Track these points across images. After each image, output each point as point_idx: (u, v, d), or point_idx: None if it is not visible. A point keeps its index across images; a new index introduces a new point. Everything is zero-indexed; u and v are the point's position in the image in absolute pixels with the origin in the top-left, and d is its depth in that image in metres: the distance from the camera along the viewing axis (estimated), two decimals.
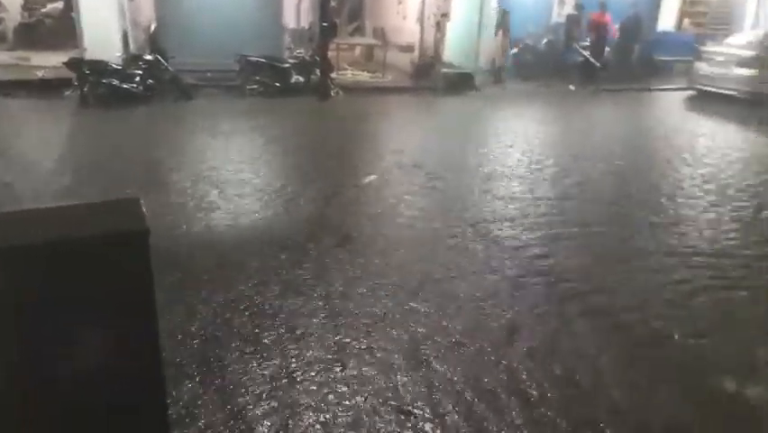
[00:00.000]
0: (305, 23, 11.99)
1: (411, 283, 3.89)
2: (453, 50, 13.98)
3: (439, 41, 13.17)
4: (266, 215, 5.09)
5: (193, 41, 10.97)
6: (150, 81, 9.63)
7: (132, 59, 9.99)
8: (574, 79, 13.21)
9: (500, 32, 13.26)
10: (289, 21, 12.07)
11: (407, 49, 13.69)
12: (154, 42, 10.27)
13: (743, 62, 11.60)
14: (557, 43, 13.74)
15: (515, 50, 13.62)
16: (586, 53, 13.38)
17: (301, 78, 11.05)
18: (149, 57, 9.89)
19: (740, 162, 7.57)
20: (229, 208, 5.16)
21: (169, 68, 9.92)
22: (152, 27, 10.45)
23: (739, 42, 12.57)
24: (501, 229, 4.92)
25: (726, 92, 11.76)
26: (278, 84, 10.68)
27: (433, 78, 12.63)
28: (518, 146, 7.90)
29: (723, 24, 16.57)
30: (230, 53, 10.60)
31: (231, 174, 6.10)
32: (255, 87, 10.60)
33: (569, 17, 13.48)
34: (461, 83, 12.34)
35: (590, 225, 5.14)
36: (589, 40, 13.54)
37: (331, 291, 3.74)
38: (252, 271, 3.96)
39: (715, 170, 7.09)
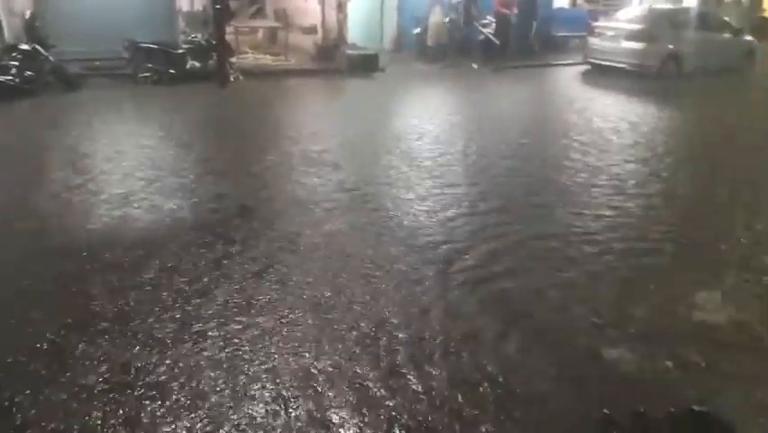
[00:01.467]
0: (199, 6, 11.47)
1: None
2: (357, 31, 13.90)
3: (342, 23, 13.04)
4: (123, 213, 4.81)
5: (77, 28, 10.26)
6: (29, 73, 8.92)
7: (6, 50, 9.22)
8: (477, 58, 13.44)
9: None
10: (183, 3, 11.53)
11: (310, 30, 13.44)
12: (31, 30, 9.50)
13: (631, 36, 12.18)
14: (458, 22, 13.89)
15: (417, 30, 13.68)
16: (486, 31, 13.63)
17: (197, 64, 10.62)
18: (25, 46, 9.14)
19: (620, 129, 7.95)
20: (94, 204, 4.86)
21: (50, 57, 9.23)
22: (28, 14, 9.67)
23: (627, 17, 13.20)
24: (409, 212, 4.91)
25: (617, 65, 12.34)
26: (172, 71, 10.20)
27: (337, 60, 12.49)
28: (422, 126, 7.93)
29: (614, 0, 17.38)
30: (119, 40, 10.02)
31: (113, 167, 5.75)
32: (148, 74, 10.06)
33: None
34: (366, 64, 12.26)
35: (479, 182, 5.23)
36: (494, 18, 13.78)
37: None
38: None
39: (596, 136, 7.45)
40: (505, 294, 3.64)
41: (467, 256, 4.11)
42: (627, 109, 9.48)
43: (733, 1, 18.95)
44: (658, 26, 12.24)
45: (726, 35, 13.22)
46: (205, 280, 3.67)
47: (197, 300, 3.43)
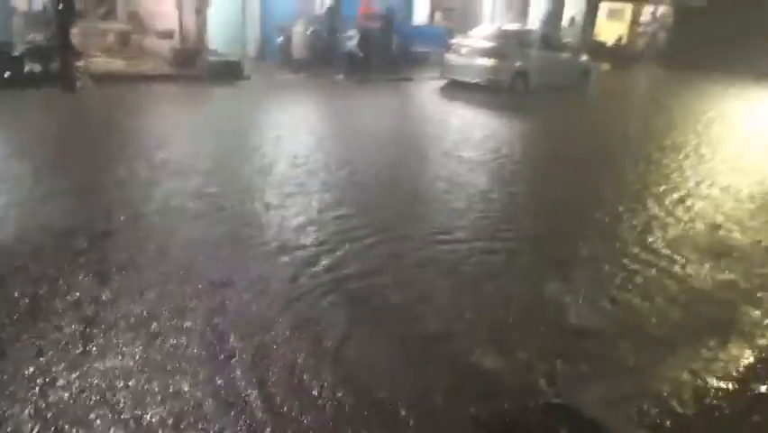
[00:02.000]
0: (38, 5, 10.47)
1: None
2: (219, 37, 13.48)
3: (201, 28, 12.57)
4: None
5: None
6: None
7: None
8: (341, 69, 13.59)
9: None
10: (19, 2, 10.45)
11: (167, 35, 12.79)
12: None
13: (484, 53, 13.00)
14: (322, 34, 13.98)
15: (281, 39, 13.57)
16: (350, 44, 13.85)
17: (38, 67, 9.66)
18: None
19: (474, 139, 8.46)
20: None
21: None
22: None
23: (480, 35, 14.08)
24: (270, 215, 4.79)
25: (472, 80, 13.11)
26: (7, 74, 9.18)
27: (198, 67, 12.01)
28: (285, 135, 7.83)
29: (468, 18, 18.49)
30: None
31: None
32: None
33: (329, 9, 13.79)
34: (228, 71, 11.92)
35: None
36: (356, 30, 14.05)
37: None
38: None
39: (450, 144, 7.86)
40: (354, 295, 3.72)
41: (321, 260, 4.15)
42: (481, 121, 10.09)
43: (571, 25, 20.99)
44: (508, 45, 13.18)
45: (566, 55, 14.59)
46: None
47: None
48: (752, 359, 3.46)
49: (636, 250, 4.88)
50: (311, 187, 5.81)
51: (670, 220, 5.68)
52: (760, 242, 5.32)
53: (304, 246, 4.41)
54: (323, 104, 11.14)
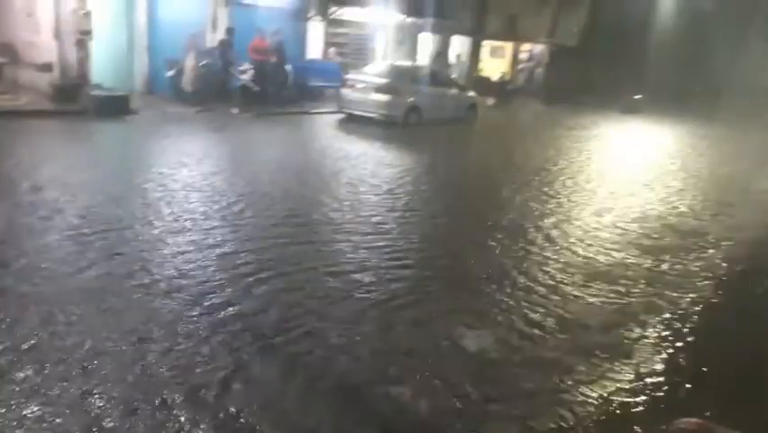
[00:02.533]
0: None
1: None
2: (104, 71, 12.84)
3: (83, 61, 11.93)
4: None
5: None
6: None
7: None
8: (236, 103, 13.40)
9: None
10: None
11: (45, 68, 12.01)
12: None
13: (378, 89, 13.37)
14: (214, 66, 13.71)
15: (171, 73, 13.18)
16: (244, 77, 13.71)
17: None
18: None
19: (371, 170, 8.66)
20: None
21: None
22: None
23: (374, 71, 14.49)
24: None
25: (368, 114, 13.42)
26: None
27: (80, 101, 11.35)
28: (173, 173, 7.56)
29: (361, 54, 18.96)
30: None
31: None
32: None
33: (221, 42, 13.62)
34: (114, 106, 11.35)
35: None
36: (250, 64, 13.94)
37: None
38: None
39: (346, 176, 8.00)
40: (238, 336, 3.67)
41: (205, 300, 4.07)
42: (377, 153, 10.35)
43: (457, 62, 22.15)
44: (400, 81, 13.66)
45: (454, 90, 15.35)
46: None
47: None
48: (632, 375, 3.76)
49: (515, 273, 5.21)
50: (196, 223, 5.66)
51: (546, 244, 6.12)
52: (626, 265, 5.84)
53: (187, 286, 4.28)
54: (215, 138, 10.86)
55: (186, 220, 5.75)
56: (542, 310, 4.51)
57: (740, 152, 14.29)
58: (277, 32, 14.31)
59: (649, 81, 22.13)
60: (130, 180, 7.10)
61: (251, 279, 4.54)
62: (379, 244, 5.63)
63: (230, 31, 13.76)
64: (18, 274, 4.23)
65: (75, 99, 11.42)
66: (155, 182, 7.06)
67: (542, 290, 4.92)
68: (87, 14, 11.80)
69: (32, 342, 3.37)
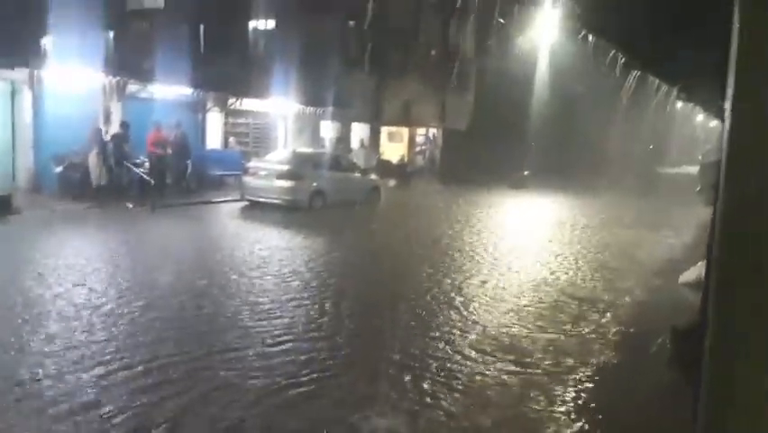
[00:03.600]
0: None
1: None
2: None
3: None
4: None
5: None
6: None
7: None
8: (131, 198, 12.88)
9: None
10: None
11: None
12: None
13: (281, 175, 13.41)
14: (108, 161, 13.22)
15: (59, 169, 12.54)
16: (140, 171, 13.31)
17: None
18: None
19: (276, 257, 8.51)
20: None
21: None
22: None
23: (276, 159, 14.59)
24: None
25: (272, 200, 13.35)
26: None
27: None
28: (49, 278, 6.93)
29: (262, 143, 19.11)
30: None
31: None
32: None
33: (115, 135, 13.26)
34: None
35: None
36: (147, 157, 13.59)
37: None
38: None
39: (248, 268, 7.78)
40: None
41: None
42: (284, 239, 10.27)
43: (360, 147, 22.80)
44: (303, 166, 13.83)
45: (357, 174, 15.70)
46: None
47: None
48: None
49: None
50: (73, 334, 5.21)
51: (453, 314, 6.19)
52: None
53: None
54: (104, 236, 10.18)
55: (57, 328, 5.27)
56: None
57: (616, 218, 15.44)
58: (177, 125, 14.16)
59: (533, 158, 23.87)
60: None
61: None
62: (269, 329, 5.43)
63: (124, 125, 13.47)
64: None
65: None
66: (31, 289, 6.48)
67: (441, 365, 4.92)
68: None
69: None
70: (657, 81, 6.03)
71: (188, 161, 14.56)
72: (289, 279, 7.52)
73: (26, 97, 12.71)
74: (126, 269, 7.61)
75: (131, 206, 12.53)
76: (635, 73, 5.52)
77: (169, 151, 13.97)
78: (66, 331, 5.15)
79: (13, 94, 12.84)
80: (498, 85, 24.75)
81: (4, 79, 12.32)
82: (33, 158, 12.95)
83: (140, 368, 4.48)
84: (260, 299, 6.52)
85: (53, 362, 4.47)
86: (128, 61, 13.43)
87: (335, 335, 5.58)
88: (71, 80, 12.79)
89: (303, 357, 4.92)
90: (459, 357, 5.12)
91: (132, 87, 14.32)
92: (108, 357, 4.64)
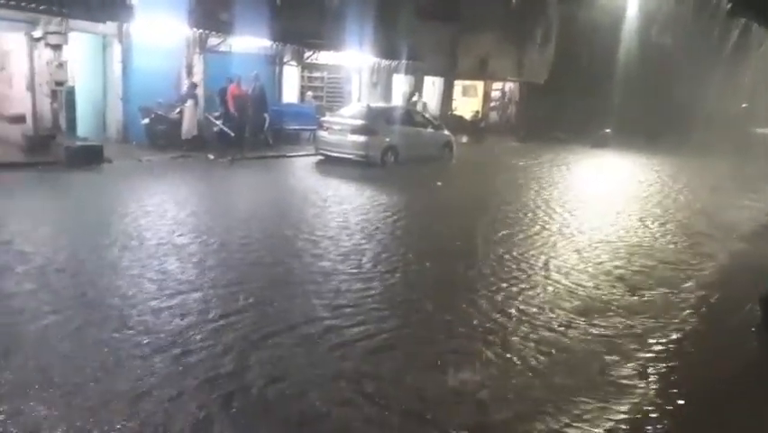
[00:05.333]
0: None
1: None
2: (78, 120, 12.79)
3: (57, 111, 11.86)
4: None
5: None
6: None
7: None
8: (213, 149, 13.39)
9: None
10: None
11: (18, 119, 11.92)
12: None
13: (355, 130, 13.49)
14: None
15: (146, 121, 13.15)
16: (220, 123, 13.74)
17: None
18: None
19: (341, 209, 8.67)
20: None
21: None
22: None
23: (350, 113, 14.65)
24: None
25: (345, 155, 13.50)
26: None
27: (54, 152, 11.22)
28: (151, 221, 7.47)
29: (336, 97, 19.20)
30: None
31: None
32: None
33: (190, 86, 13.74)
34: (89, 156, 11.23)
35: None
36: (222, 110, 14.02)
37: None
38: None
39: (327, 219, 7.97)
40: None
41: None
42: (358, 195, 10.37)
43: (418, 100, 22.48)
44: (376, 122, 13.82)
45: (430, 130, 15.55)
46: None
47: None
48: (625, 415, 3.71)
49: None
50: (181, 274, 5.55)
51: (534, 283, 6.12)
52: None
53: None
54: (191, 184, 10.76)
55: (160, 272, 5.64)
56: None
57: (705, 181, 14.62)
58: (256, 79, 14.43)
59: (617, 115, 22.72)
60: (100, 229, 7.02)
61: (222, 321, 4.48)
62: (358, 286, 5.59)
63: (193, 85, 13.82)
64: None
65: (48, 150, 11.29)
66: (126, 228, 6.96)
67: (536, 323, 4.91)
68: (62, 65, 11.81)
69: None
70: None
71: (266, 115, 14.86)
72: (364, 235, 7.65)
73: (116, 51, 13.30)
74: (207, 214, 8.04)
75: (211, 157, 13.05)
76: (740, 22, 5.10)
77: (249, 104, 14.28)
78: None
79: (105, 48, 13.46)
80: (582, 36, 23.53)
81: (96, 34, 12.90)
82: (122, 110, 13.63)
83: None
84: (340, 254, 6.68)
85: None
86: (209, 14, 13.72)
87: (417, 298, 5.66)
88: (156, 34, 13.24)
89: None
90: (549, 315, 5.11)
91: (213, 41, 14.66)
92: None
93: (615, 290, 6.02)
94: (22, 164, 10.75)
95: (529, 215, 9.59)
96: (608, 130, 22.32)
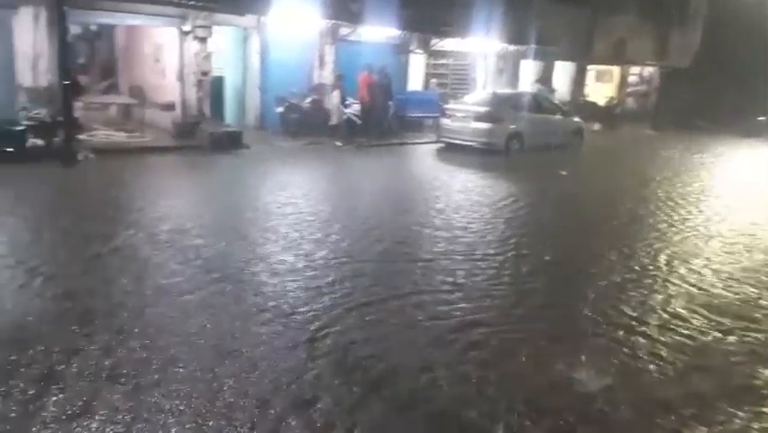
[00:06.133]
0: (44, 81, 10.70)
1: None
2: (220, 108, 13.77)
3: (202, 100, 12.85)
4: None
5: None
6: None
7: None
8: (340, 136, 13.85)
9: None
10: (24, 78, 10.68)
11: (168, 107, 13.07)
12: None
13: (478, 117, 13.29)
14: (320, 102, 14.33)
15: (280, 109, 13.85)
16: (349, 111, 14.15)
17: (40, 142, 9.81)
18: None
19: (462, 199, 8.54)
20: None
21: None
22: None
23: (474, 100, 14.45)
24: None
25: (468, 143, 13.35)
26: (9, 149, 9.30)
27: (198, 137, 12.20)
28: (291, 201, 7.91)
29: (461, 84, 19.00)
30: None
31: None
32: None
33: (337, 77, 14.22)
34: (229, 141, 12.09)
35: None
36: (359, 99, 14.38)
37: None
38: None
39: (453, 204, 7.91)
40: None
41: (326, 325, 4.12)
42: (482, 183, 10.22)
43: (561, 87, 21.58)
44: (501, 108, 13.51)
45: (558, 116, 14.93)
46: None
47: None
48: None
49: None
50: (319, 251, 5.80)
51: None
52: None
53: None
54: (324, 169, 11.28)
55: (299, 244, 5.95)
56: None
57: None
58: (384, 68, 14.66)
59: None
60: (243, 208, 7.56)
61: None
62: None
63: (339, 76, 14.30)
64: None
65: (193, 135, 12.30)
66: (268, 206, 7.43)
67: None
68: (208, 57, 12.78)
69: None
70: None
71: (390, 103, 15.07)
72: (487, 224, 7.54)
73: (255, 42, 14.13)
74: (340, 195, 8.36)
75: (339, 144, 13.52)
76: None
77: (377, 93, 14.54)
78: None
79: (245, 39, 14.35)
80: (732, 16, 21.32)
81: (238, 26, 13.78)
82: (259, 98, 14.49)
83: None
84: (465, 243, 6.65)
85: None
86: (341, 5, 14.12)
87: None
88: (291, 25, 13.86)
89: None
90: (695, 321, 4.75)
91: (343, 31, 15.08)
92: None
93: None
94: (172, 148, 11.82)
95: (663, 214, 8.90)
96: (761, 118, 20.09)
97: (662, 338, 4.35)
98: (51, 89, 10.39)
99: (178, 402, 3.18)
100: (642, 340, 4.30)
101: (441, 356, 3.90)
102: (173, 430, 2.96)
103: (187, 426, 3.00)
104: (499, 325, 4.44)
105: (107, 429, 2.93)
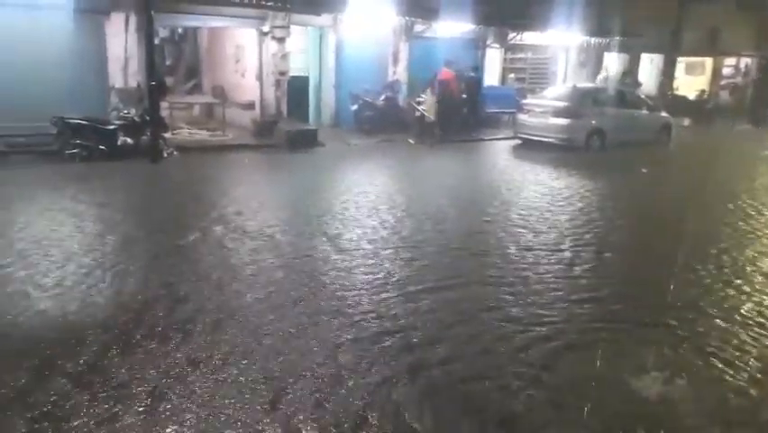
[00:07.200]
0: (133, 82, 11.30)
1: None
2: (297, 107, 14.05)
3: (280, 99, 13.15)
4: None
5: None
6: None
7: None
8: (413, 133, 13.78)
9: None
10: (116, 80, 11.32)
11: (248, 106, 13.48)
12: None
13: (557, 113, 12.83)
14: (394, 100, 14.32)
15: (355, 107, 13.95)
16: (421, 108, 14.05)
17: (129, 140, 10.36)
18: None
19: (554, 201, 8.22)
20: None
21: None
22: None
23: (553, 95, 13.97)
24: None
25: (546, 139, 12.92)
26: (102, 147, 9.88)
27: (276, 135, 12.49)
28: (365, 197, 7.97)
29: (540, 78, 18.46)
30: (47, 115, 9.65)
31: None
32: (76, 151, 9.70)
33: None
34: (305, 139, 12.31)
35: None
36: (429, 94, 14.25)
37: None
38: None
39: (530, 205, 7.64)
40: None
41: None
42: (560, 181, 9.84)
43: (647, 80, 20.51)
44: (582, 103, 12.99)
45: (644, 111, 14.17)
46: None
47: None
48: None
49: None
50: (399, 244, 5.76)
51: None
52: None
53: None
54: (397, 167, 11.23)
55: (375, 238, 5.94)
56: None
57: None
58: (473, 65, 14.45)
59: None
60: (321, 202, 7.73)
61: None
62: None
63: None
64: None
65: (272, 134, 12.60)
66: (345, 202, 7.51)
67: None
68: (286, 56, 13.05)
69: None
70: None
71: (477, 100, 14.85)
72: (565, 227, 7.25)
73: (330, 41, 14.31)
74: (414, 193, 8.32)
75: (412, 141, 13.45)
76: None
77: (455, 90, 14.34)
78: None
79: (321, 39, 14.56)
80: None
81: (314, 26, 14.00)
82: (335, 97, 14.66)
83: None
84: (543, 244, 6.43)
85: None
86: (415, 1, 14.04)
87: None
88: (366, 23, 13.92)
89: None
90: None
91: (418, 27, 15.00)
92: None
93: None
94: (252, 146, 12.17)
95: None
96: None
97: None
98: (140, 90, 10.94)
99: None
100: None
101: None
102: None
103: None
104: None
105: None
